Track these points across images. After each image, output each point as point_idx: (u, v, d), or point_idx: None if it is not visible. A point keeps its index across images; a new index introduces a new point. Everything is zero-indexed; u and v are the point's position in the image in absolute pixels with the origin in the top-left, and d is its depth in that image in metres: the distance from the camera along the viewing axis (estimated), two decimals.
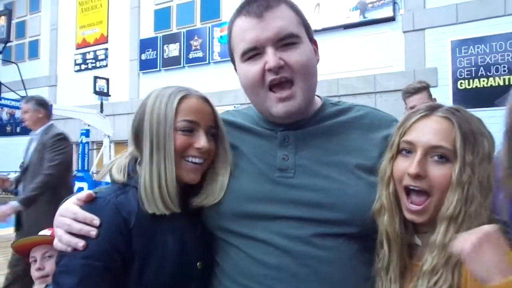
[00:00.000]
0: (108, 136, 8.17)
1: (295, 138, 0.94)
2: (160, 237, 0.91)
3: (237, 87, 11.89)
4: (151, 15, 12.66)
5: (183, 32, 11.92)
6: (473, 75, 7.93)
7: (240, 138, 1.01)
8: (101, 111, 8.49)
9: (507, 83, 7.35)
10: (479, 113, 0.87)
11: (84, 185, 6.72)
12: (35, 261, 1.71)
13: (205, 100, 0.98)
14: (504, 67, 7.57)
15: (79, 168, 7.46)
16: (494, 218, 0.77)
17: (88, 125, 7.81)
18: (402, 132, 0.81)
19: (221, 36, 11.11)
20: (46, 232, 1.74)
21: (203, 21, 11.71)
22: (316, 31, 7.69)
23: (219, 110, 1.10)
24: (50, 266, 1.67)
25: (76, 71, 14.33)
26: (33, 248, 1.72)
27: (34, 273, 1.71)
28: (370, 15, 9.17)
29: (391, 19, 8.93)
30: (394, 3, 8.91)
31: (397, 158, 0.82)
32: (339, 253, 0.85)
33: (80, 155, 7.65)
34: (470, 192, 0.72)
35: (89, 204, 0.90)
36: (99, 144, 9.37)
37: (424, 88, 2.45)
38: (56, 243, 0.88)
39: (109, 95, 9.50)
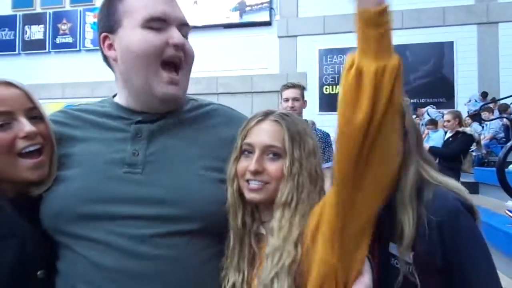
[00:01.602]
0: None
1: (149, 133, 0.92)
2: None
3: (112, 78, 11.18)
4: None
5: (49, 13, 10.78)
6: (336, 82, 8.91)
7: (85, 133, 0.94)
8: None
9: None
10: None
11: None
12: None
13: (8, 84, 0.87)
14: None
15: None
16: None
17: None
18: (243, 135, 0.92)
19: (94, 22, 10.32)
20: None
21: (73, 4, 10.73)
22: (196, 27, 7.73)
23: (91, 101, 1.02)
24: None
25: None
26: None
27: None
28: (249, 18, 9.55)
29: (268, 23, 9.44)
30: (271, 8, 9.44)
31: (240, 159, 0.92)
32: (183, 251, 0.84)
33: None
34: (300, 182, 0.86)
35: None
36: None
37: (299, 86, 2.82)
38: None
39: None
